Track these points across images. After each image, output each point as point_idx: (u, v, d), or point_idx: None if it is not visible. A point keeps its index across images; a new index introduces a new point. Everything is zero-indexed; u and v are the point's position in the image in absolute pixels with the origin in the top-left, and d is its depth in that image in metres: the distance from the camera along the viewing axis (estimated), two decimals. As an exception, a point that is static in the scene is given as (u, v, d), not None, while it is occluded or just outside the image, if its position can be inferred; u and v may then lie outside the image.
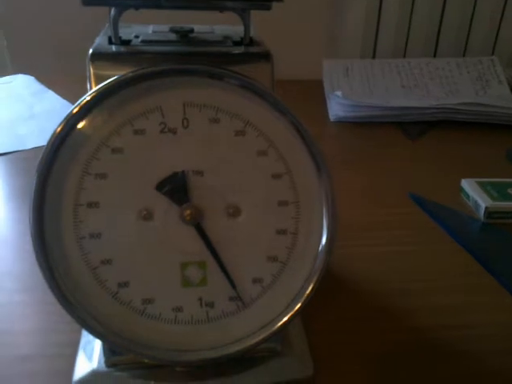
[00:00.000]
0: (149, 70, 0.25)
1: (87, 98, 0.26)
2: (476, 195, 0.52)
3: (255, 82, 0.27)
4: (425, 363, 0.34)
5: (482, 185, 0.54)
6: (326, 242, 0.30)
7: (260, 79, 0.28)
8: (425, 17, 0.96)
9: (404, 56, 0.97)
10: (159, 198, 0.28)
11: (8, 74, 0.88)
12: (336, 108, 0.75)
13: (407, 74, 0.88)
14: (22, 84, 0.79)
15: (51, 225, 0.27)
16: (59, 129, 0.26)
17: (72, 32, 0.92)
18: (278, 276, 0.30)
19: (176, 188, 0.28)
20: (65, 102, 0.72)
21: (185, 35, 0.30)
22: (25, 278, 0.41)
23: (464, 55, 0.99)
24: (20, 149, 0.59)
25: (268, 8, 0.28)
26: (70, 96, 0.75)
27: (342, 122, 0.74)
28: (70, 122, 0.26)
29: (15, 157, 0.58)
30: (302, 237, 0.30)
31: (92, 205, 0.27)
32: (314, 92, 0.86)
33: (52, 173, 0.26)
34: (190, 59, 0.28)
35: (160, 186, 0.27)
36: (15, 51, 1.01)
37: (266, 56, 0.29)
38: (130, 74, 0.25)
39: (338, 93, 0.76)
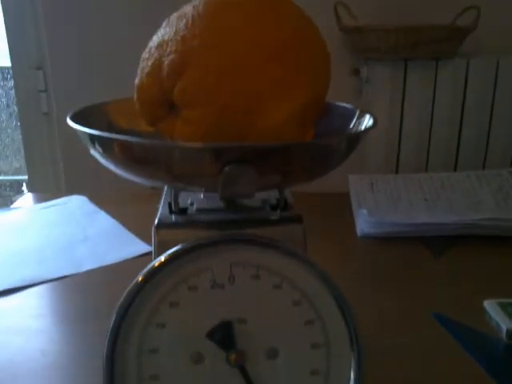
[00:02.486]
0: (203, 242, 0.31)
1: (154, 265, 0.31)
2: (498, 317, 0.55)
3: (290, 247, 0.33)
4: None
5: (503, 306, 0.57)
6: (355, 382, 0.34)
7: (293, 239, 0.34)
8: (444, 132, 1.03)
9: (426, 170, 1.03)
10: (209, 344, 0.33)
11: (61, 192, 0.98)
12: (362, 225, 0.80)
13: (429, 187, 0.93)
14: (75, 205, 0.87)
15: (119, 368, 0.32)
16: (128, 291, 0.32)
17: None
18: (312, 412, 0.34)
19: (223, 336, 0.32)
20: (115, 222, 0.79)
21: (231, 203, 0.36)
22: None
23: (484, 167, 1.04)
24: (75, 272, 0.65)
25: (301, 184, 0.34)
26: (119, 215, 0.83)
27: (368, 238, 0.79)
28: (139, 285, 0.31)
29: (71, 281, 0.64)
30: (332, 377, 0.34)
31: (153, 351, 0.32)
32: (341, 204, 0.92)
33: (123, 323, 0.32)
34: (236, 226, 0.34)
35: (210, 335, 0.32)
36: (70, 171, 1.12)
37: (298, 220, 0.35)
38: (189, 245, 0.31)
39: (364, 211, 0.82)
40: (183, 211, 0.36)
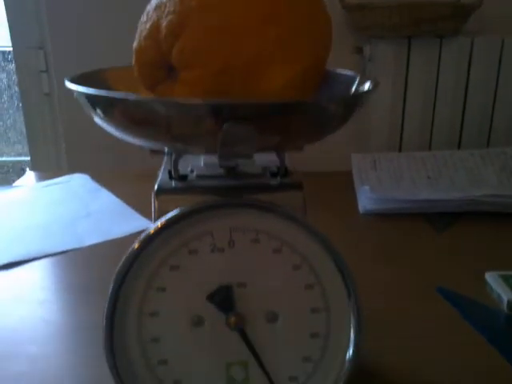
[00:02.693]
0: (203, 206, 0.31)
1: (153, 229, 0.31)
2: (499, 289, 0.55)
3: (290, 211, 0.33)
4: None
5: (505, 278, 0.57)
6: (354, 343, 0.34)
7: (294, 205, 0.34)
8: (447, 110, 1.03)
9: (429, 147, 1.03)
10: (209, 307, 0.33)
11: (63, 172, 0.98)
12: (364, 201, 0.80)
13: (432, 165, 0.93)
14: (78, 183, 0.88)
15: (119, 330, 0.32)
16: (129, 253, 0.32)
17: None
18: (312, 374, 0.34)
19: (223, 299, 0.33)
20: (117, 199, 0.80)
21: (231, 169, 0.36)
22: (82, 372, 0.45)
23: (488, 144, 1.04)
24: (79, 246, 0.66)
25: (301, 149, 0.34)
26: (120, 192, 0.83)
27: (370, 214, 0.79)
28: (139, 247, 0.32)
29: (74, 254, 0.65)
30: (332, 339, 0.34)
31: (153, 314, 0.33)
32: (345, 183, 0.92)
33: (123, 287, 0.32)
34: (236, 192, 0.34)
35: (210, 298, 0.33)
36: (72, 151, 1.12)
37: (298, 186, 0.35)
38: (189, 209, 0.31)
39: (366, 187, 0.81)
40: (183, 178, 0.35)
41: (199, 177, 0.35)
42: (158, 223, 0.32)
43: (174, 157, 0.34)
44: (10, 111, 1.40)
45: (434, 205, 0.79)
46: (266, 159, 0.39)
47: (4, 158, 1.42)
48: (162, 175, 0.36)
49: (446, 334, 0.51)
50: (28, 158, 1.28)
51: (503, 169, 0.92)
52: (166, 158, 0.40)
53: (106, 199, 0.80)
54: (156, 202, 0.33)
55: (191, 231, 0.32)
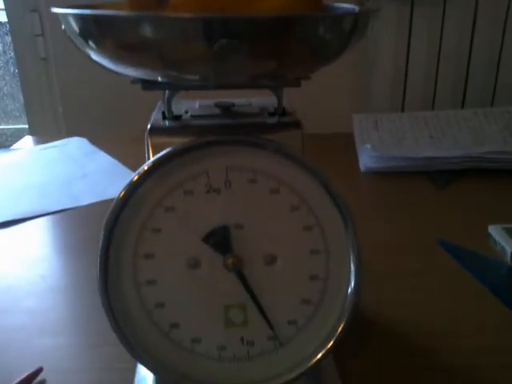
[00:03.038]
0: (197, 143, 0.30)
1: (145, 167, 0.30)
2: (502, 241, 0.54)
3: (288, 149, 0.31)
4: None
5: (508, 231, 0.56)
6: (354, 286, 0.33)
7: (292, 144, 0.33)
8: (451, 69, 1.01)
9: (432, 107, 1.01)
10: (205, 248, 0.32)
11: (61, 137, 0.97)
12: (366, 159, 0.79)
13: (435, 125, 0.91)
14: (75, 146, 0.87)
15: (114, 273, 0.32)
16: (123, 193, 0.31)
17: (118, 98, 1.01)
18: (311, 318, 0.34)
19: (220, 240, 0.32)
20: (114, 161, 0.79)
21: (227, 109, 0.35)
22: (80, 322, 0.45)
23: (492, 104, 1.02)
24: (75, 205, 0.65)
25: (298, 85, 0.33)
26: (119, 155, 0.82)
27: (371, 173, 0.78)
28: (132, 186, 0.31)
29: (72, 213, 0.64)
30: (332, 281, 0.33)
31: (148, 256, 0.32)
32: (345, 144, 0.90)
33: (116, 229, 0.31)
34: (232, 131, 0.33)
35: (206, 239, 0.32)
36: (69, 116, 1.11)
37: (296, 125, 0.34)
38: (182, 147, 0.30)
39: (368, 145, 0.80)
40: (177, 118, 0.34)
41: (194, 117, 0.34)
42: (148, 163, 0.31)
43: (167, 94, 0.33)
44: (7, 78, 1.38)
45: (435, 162, 0.78)
46: (263, 102, 0.38)
47: (2, 126, 1.40)
48: (155, 115, 0.35)
49: (446, 286, 0.50)
50: (26, 126, 1.27)
51: (507, 127, 0.90)
52: (159, 103, 0.38)
53: (102, 160, 0.79)
54: (149, 141, 0.32)
55: (185, 171, 0.31)
